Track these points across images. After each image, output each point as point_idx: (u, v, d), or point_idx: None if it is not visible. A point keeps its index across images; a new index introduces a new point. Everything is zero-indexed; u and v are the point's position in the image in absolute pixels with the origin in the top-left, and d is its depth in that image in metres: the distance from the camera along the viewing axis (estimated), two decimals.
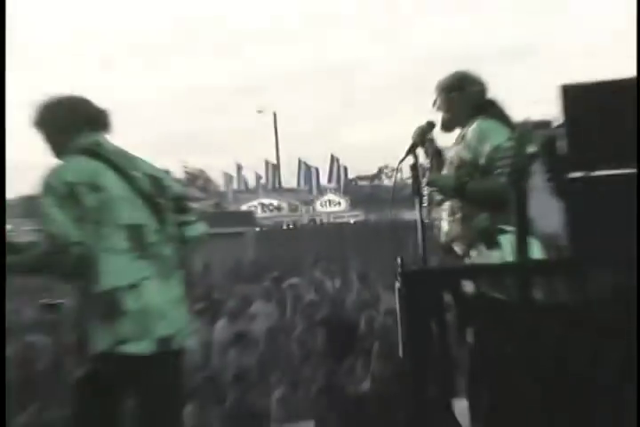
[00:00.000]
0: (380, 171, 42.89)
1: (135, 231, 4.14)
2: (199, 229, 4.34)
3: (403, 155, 4.32)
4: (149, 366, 4.03)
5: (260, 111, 40.54)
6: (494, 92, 4.59)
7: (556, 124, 3.48)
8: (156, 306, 4.11)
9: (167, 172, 4.61)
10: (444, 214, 4.45)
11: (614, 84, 3.47)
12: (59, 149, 4.23)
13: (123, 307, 4.05)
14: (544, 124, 3.63)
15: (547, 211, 3.64)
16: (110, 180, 4.14)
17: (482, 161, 4.29)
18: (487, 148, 4.25)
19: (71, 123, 4.26)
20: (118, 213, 4.09)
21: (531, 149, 3.60)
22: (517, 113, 4.28)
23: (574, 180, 3.48)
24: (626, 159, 3.36)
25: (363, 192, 38.86)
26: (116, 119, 4.36)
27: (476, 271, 3.82)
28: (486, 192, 4.28)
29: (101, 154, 4.22)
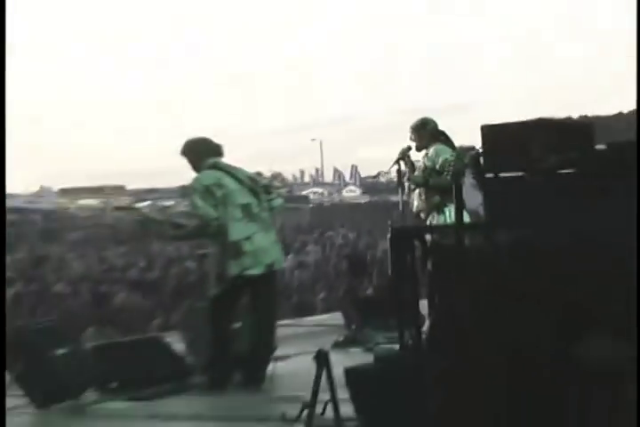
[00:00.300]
0: (379, 173, 54.92)
1: (245, 207, 7.28)
2: (279, 201, 7.63)
3: (392, 164, 7.52)
4: (262, 280, 7.25)
5: (313, 139, 75.51)
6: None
7: (478, 148, 6.06)
8: (263, 247, 7.23)
9: (259, 173, 7.73)
10: (415, 196, 7.44)
11: (512, 124, 5.98)
12: (197, 167, 7.44)
13: (243, 249, 7.18)
14: (472, 148, 6.24)
15: (472, 196, 6.27)
16: (228, 181, 7.30)
17: (437, 167, 7.41)
18: (440, 160, 7.38)
19: (203, 152, 7.47)
20: (234, 199, 7.24)
21: (464, 161, 6.25)
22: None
23: (488, 178, 6.00)
24: (514, 168, 5.86)
25: (369, 185, 63.75)
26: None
27: (432, 228, 6.56)
28: (439, 184, 7.38)
29: (220, 167, 7.38)
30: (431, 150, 7.95)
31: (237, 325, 7.58)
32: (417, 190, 8.00)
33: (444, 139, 7.95)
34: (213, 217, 7.19)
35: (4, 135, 8.66)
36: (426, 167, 7.90)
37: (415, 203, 8.03)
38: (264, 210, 7.49)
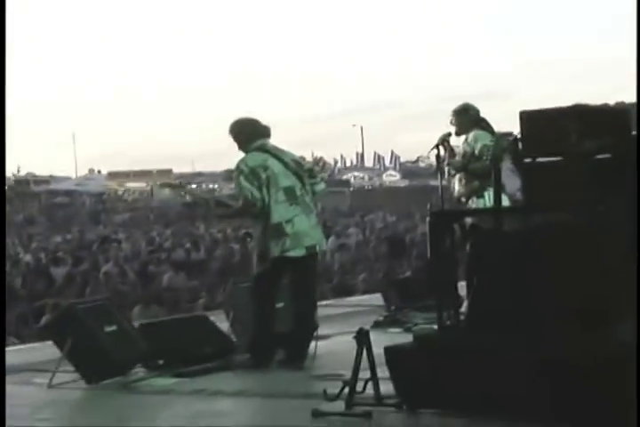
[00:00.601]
0: (419, 159, 63.26)
1: (289, 190, 7.38)
2: (322, 186, 7.73)
3: (431, 149, 7.93)
4: (302, 262, 7.40)
5: (354, 125, 77.75)
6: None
7: (516, 133, 6.17)
8: (304, 230, 7.35)
9: (303, 157, 7.90)
10: (456, 181, 7.63)
11: (550, 110, 6.09)
12: (243, 147, 7.51)
13: (285, 231, 7.30)
14: (510, 134, 6.36)
15: (511, 180, 6.40)
16: (273, 163, 7.39)
17: (476, 153, 7.56)
18: (479, 145, 7.50)
19: (250, 133, 7.52)
20: (278, 181, 7.33)
21: (503, 146, 6.37)
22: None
23: (526, 162, 6.11)
24: (551, 153, 5.97)
25: (408, 170, 66.31)
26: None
27: (471, 212, 6.69)
28: (478, 169, 7.53)
29: (266, 149, 7.44)
30: (470, 136, 8.07)
31: (280, 304, 7.74)
32: (457, 176, 8.14)
33: (484, 125, 8.04)
34: (257, 198, 7.31)
35: (4, 133, 8.82)
36: (465, 153, 8.03)
37: (456, 188, 8.17)
38: (307, 193, 7.59)
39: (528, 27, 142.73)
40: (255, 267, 7.53)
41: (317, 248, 7.60)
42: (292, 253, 7.39)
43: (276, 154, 7.53)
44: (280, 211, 7.38)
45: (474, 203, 7.92)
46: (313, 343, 7.63)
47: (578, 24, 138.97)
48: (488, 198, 7.61)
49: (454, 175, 8.15)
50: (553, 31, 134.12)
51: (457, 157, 8.10)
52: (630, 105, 6.13)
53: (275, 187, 7.39)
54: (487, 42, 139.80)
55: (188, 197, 8.21)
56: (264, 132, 7.63)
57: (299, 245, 7.41)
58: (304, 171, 7.65)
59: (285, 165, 7.51)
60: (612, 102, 6.37)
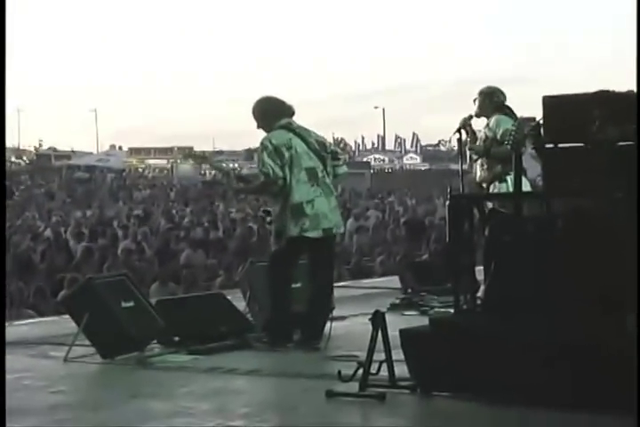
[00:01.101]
0: (440, 142, 72.18)
1: (311, 171, 7.37)
2: (344, 168, 7.69)
3: (453, 132, 7.69)
4: (320, 243, 7.41)
5: (376, 107, 77.62)
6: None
7: (539, 119, 6.15)
8: (323, 211, 7.32)
9: (324, 138, 7.82)
10: (477, 166, 7.58)
11: (573, 96, 6.07)
12: (266, 126, 7.48)
13: (305, 212, 7.29)
14: (533, 119, 6.34)
15: (532, 165, 6.38)
16: (297, 142, 7.37)
17: (498, 137, 7.43)
18: (501, 130, 7.39)
19: (275, 111, 7.52)
20: (301, 161, 7.32)
21: (525, 131, 6.34)
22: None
23: (548, 148, 6.10)
24: (573, 139, 5.95)
25: (429, 153, 68.19)
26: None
27: (490, 196, 6.67)
28: (500, 154, 7.43)
29: (291, 128, 7.41)
30: (492, 120, 8.02)
31: (298, 285, 7.76)
32: (479, 161, 8.10)
33: (507, 111, 7.99)
34: (279, 176, 7.32)
35: (4, 131, 8.86)
36: (487, 137, 7.99)
37: (478, 173, 8.13)
38: (328, 175, 7.58)
39: (559, 12, 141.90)
40: (272, 245, 7.57)
41: (334, 231, 7.59)
42: (310, 234, 7.39)
43: (301, 133, 7.52)
44: (301, 191, 7.38)
45: (495, 188, 7.87)
46: (329, 324, 7.65)
47: (611, 9, 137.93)
48: (510, 183, 7.58)
49: (476, 160, 8.11)
50: (583, 17, 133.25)
51: (478, 142, 8.06)
52: None
53: (297, 167, 7.38)
54: (516, 25, 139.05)
55: (209, 169, 8.16)
56: (289, 111, 7.62)
57: (317, 226, 7.40)
58: (327, 152, 7.63)
59: (309, 145, 7.49)
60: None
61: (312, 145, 7.51)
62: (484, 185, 8.03)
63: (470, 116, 8.13)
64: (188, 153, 8.16)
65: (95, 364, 7.23)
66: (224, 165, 8.40)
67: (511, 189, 7.28)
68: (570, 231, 5.81)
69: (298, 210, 7.36)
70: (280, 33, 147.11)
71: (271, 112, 7.54)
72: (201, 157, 8.70)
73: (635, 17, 6.81)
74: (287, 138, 7.42)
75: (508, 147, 6.67)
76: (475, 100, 8.21)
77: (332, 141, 8.48)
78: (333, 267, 8.07)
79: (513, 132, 6.52)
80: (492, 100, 8.17)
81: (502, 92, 8.24)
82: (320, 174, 7.48)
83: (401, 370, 5.81)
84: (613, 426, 5.02)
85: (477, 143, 8.07)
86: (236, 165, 59.14)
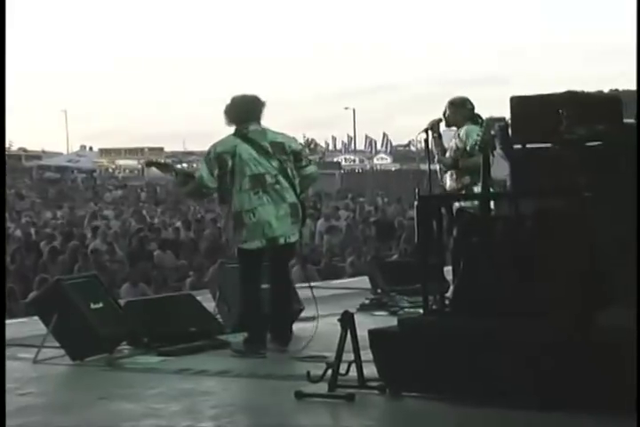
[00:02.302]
0: (410, 142, 69.82)
1: (256, 178, 7.12)
2: (311, 169, 7.41)
3: (419, 132, 7.95)
4: (266, 253, 7.24)
5: (346, 108, 77.22)
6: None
7: (507, 119, 6.16)
8: (266, 220, 7.10)
9: (294, 138, 7.64)
10: (447, 176, 7.81)
11: (541, 96, 6.09)
12: (233, 126, 7.31)
13: (244, 221, 7.10)
14: (502, 119, 6.35)
15: (500, 166, 6.40)
16: (243, 149, 7.15)
17: (467, 148, 7.81)
18: (470, 141, 7.47)
19: (238, 114, 7.31)
20: (245, 169, 7.12)
21: (492, 131, 6.36)
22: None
23: (516, 149, 6.11)
24: (541, 139, 5.97)
25: (400, 154, 67.63)
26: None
27: (459, 197, 6.70)
28: (469, 165, 7.69)
29: (242, 134, 7.22)
30: (462, 131, 8.00)
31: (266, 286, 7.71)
32: (449, 171, 8.12)
33: (477, 120, 7.95)
34: (207, 184, 7.22)
35: (4, 131, 8.76)
36: (457, 148, 8.00)
37: (447, 183, 8.14)
38: (289, 178, 7.27)
39: (527, 11, 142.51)
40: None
41: (282, 240, 7.27)
42: (247, 246, 7.23)
43: (252, 138, 7.26)
44: (242, 199, 7.15)
45: None
46: (298, 325, 7.64)
47: (577, 9, 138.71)
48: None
49: (446, 171, 8.13)
50: (552, 16, 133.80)
51: (449, 152, 8.08)
52: (624, 92, 6.14)
53: (240, 174, 7.15)
54: (486, 26, 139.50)
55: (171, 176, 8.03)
56: (250, 114, 7.37)
57: (258, 236, 7.19)
58: (287, 154, 7.32)
59: (259, 150, 7.22)
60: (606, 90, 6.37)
61: (264, 149, 7.24)
62: None
63: (440, 119, 8.12)
64: (149, 162, 7.98)
65: (64, 365, 7.21)
66: (178, 166, 8.34)
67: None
68: (537, 231, 5.82)
69: (238, 219, 7.19)
70: (250, 33, 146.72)
71: (233, 115, 7.38)
72: (164, 165, 8.43)
73: (635, 17, 6.98)
74: (232, 145, 7.22)
75: (477, 148, 6.69)
76: (444, 112, 8.20)
77: (302, 142, 8.31)
78: (287, 273, 7.89)
79: (480, 133, 6.53)
80: (462, 111, 8.15)
81: (471, 102, 8.24)
82: (269, 180, 7.18)
83: (370, 371, 5.81)
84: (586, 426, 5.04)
85: (447, 154, 8.06)
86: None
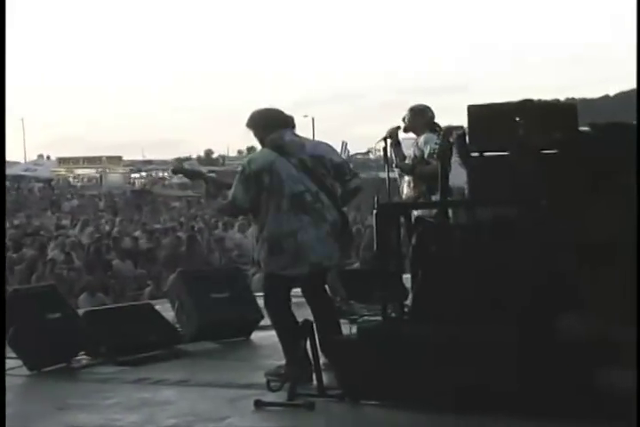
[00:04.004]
0: (369, 150, 68.88)
1: (297, 197, 6.33)
2: (355, 182, 6.67)
3: (378, 140, 7.99)
4: (305, 277, 6.52)
5: (305, 116, 69.48)
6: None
7: (465, 127, 6.22)
8: (308, 244, 6.33)
9: (334, 150, 6.88)
10: (405, 184, 7.80)
11: (498, 105, 6.15)
12: (262, 142, 6.57)
13: (282, 246, 6.33)
14: (460, 127, 6.40)
15: (458, 173, 6.43)
16: (281, 165, 6.35)
17: (425, 156, 7.70)
18: (428, 149, 7.45)
19: (267, 125, 6.54)
20: (284, 188, 6.32)
21: (449, 140, 6.41)
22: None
23: (473, 157, 6.15)
24: (499, 148, 6.03)
25: (359, 162, 63.47)
26: None
27: (417, 205, 6.73)
28: (426, 173, 7.61)
29: (279, 146, 6.42)
30: (421, 139, 7.97)
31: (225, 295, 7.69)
32: (406, 179, 8.10)
33: (438, 129, 7.92)
34: (242, 206, 6.45)
35: (4, 132, 8.69)
36: (415, 156, 8.00)
37: (404, 191, 8.15)
38: (322, 199, 6.47)
39: (486, 20, 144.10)
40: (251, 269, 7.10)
41: (325, 264, 6.55)
42: (288, 272, 6.44)
43: (290, 152, 6.47)
44: (280, 221, 6.38)
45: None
46: (257, 334, 7.63)
47: (536, 19, 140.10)
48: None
49: (403, 177, 8.15)
50: (510, 25, 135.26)
51: (407, 160, 8.08)
52: (581, 100, 6.21)
53: (278, 194, 6.38)
54: (445, 34, 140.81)
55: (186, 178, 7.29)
56: (282, 121, 6.62)
57: (301, 261, 6.41)
58: (327, 169, 6.56)
59: (298, 165, 6.45)
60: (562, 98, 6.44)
61: (304, 163, 6.47)
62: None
63: (398, 127, 8.11)
64: (176, 169, 6.80)
65: (22, 376, 7.14)
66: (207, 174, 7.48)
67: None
68: (494, 239, 5.86)
69: (275, 243, 6.39)
70: (212, 43, 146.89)
71: (262, 126, 6.58)
72: (193, 173, 7.52)
73: (635, 17, 6.98)
74: (269, 161, 6.40)
75: (434, 156, 6.72)
76: (404, 118, 8.18)
77: (341, 150, 8.06)
78: (328, 296, 7.10)
79: (438, 141, 6.57)
80: (422, 118, 8.11)
81: (432, 111, 8.21)
82: (309, 199, 6.41)
83: (329, 379, 5.81)
84: None
85: (406, 161, 8.08)
86: (166, 174, 58.85)
